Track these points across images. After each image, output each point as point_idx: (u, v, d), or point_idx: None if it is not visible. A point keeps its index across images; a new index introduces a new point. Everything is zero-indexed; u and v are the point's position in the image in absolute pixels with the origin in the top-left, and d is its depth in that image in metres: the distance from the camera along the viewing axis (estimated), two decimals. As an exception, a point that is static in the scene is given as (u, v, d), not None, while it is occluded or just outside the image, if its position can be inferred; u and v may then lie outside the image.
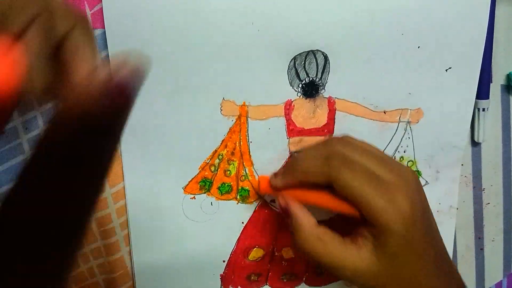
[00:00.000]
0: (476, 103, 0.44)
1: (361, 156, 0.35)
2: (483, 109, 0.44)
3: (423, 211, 0.34)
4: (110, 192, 0.41)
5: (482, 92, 0.44)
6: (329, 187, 0.34)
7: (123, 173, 0.40)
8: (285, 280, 0.46)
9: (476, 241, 0.51)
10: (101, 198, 0.41)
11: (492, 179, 0.49)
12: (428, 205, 0.36)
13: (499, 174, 0.49)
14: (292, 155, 0.42)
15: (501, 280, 0.53)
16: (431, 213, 0.36)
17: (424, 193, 0.35)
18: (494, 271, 0.52)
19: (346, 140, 0.36)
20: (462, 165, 0.47)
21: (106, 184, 0.40)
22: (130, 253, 0.43)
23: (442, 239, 0.37)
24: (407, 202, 0.33)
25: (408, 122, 0.43)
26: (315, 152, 0.36)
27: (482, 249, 0.51)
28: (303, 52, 0.39)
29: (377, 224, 0.33)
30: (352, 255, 0.34)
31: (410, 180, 0.34)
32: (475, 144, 0.47)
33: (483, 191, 0.49)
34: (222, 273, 0.45)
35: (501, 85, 0.46)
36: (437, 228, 0.36)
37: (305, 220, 0.35)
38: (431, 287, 0.34)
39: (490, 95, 0.45)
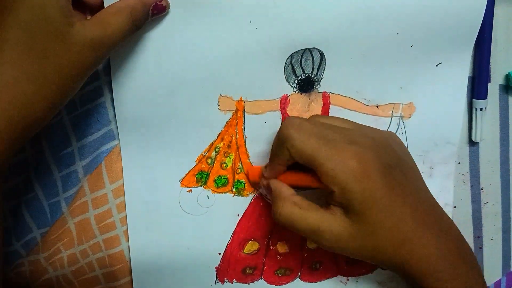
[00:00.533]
0: (474, 103, 0.45)
1: (311, 122, 0.36)
2: (481, 109, 0.45)
3: (382, 166, 0.35)
4: (110, 188, 0.43)
5: (480, 92, 0.44)
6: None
7: (122, 169, 0.42)
8: (280, 275, 0.47)
9: (475, 240, 0.51)
10: (101, 194, 0.43)
11: (490, 178, 0.49)
12: (401, 160, 0.37)
13: (497, 173, 0.49)
14: None
15: (500, 279, 0.52)
16: (408, 167, 0.37)
17: (393, 149, 0.37)
18: (493, 270, 0.52)
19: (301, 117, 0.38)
20: (459, 163, 0.47)
21: (106, 181, 0.42)
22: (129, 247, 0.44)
23: (429, 193, 0.38)
24: (355, 159, 0.34)
25: (401, 117, 0.44)
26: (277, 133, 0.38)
27: (481, 248, 0.51)
28: (300, 50, 0.40)
29: (334, 187, 0.34)
30: (328, 220, 0.35)
31: (367, 137, 0.36)
32: (473, 143, 0.47)
33: (481, 190, 0.49)
34: (217, 265, 0.46)
35: (500, 84, 0.46)
36: (420, 183, 0.38)
37: (283, 190, 0.37)
38: (418, 242, 0.35)
39: (488, 95, 0.45)
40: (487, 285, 0.51)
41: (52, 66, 0.31)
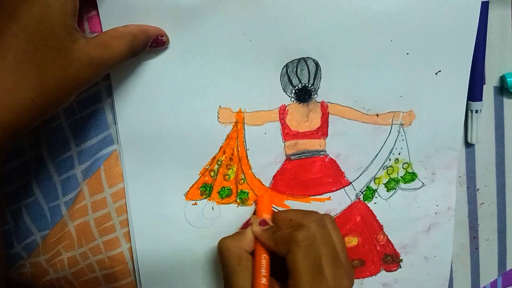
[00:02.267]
0: (469, 105, 0.46)
1: (322, 243, 0.39)
2: (476, 111, 0.46)
3: None
4: (109, 192, 0.44)
5: (475, 94, 0.45)
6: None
7: (122, 174, 0.43)
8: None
9: (471, 240, 0.52)
10: (101, 198, 0.44)
11: (486, 180, 0.50)
12: None
13: (492, 174, 0.50)
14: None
15: (496, 279, 0.55)
16: None
17: None
18: (489, 270, 0.54)
19: (319, 227, 0.41)
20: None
21: (105, 185, 0.44)
22: (130, 249, 0.46)
23: None
24: None
25: (401, 124, 0.45)
26: (295, 215, 0.42)
27: (477, 248, 0.53)
28: (295, 60, 0.42)
29: None
30: (246, 286, 0.39)
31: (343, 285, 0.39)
32: (468, 145, 0.49)
33: (477, 191, 0.51)
34: (224, 274, 0.47)
35: (494, 86, 0.47)
36: None
37: (246, 240, 0.41)
38: None
39: (483, 97, 0.46)
40: (483, 285, 0.54)
41: (51, 78, 0.32)
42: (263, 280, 0.39)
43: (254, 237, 0.42)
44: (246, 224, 0.44)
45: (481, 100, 0.46)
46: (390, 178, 0.47)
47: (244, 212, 0.46)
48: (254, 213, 0.45)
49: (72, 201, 0.44)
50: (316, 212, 0.43)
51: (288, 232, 0.39)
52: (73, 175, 0.43)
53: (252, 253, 0.41)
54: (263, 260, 0.40)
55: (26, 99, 0.31)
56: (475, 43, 0.43)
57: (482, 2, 0.42)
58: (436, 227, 0.49)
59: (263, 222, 0.42)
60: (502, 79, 0.47)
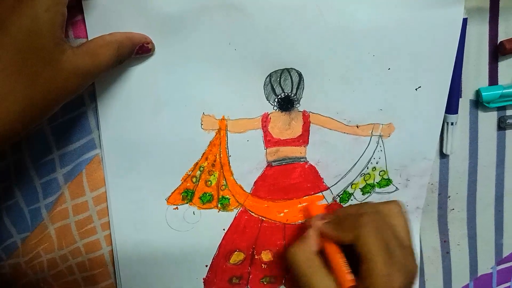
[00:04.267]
0: (445, 117, 0.47)
1: (386, 226, 0.40)
2: (452, 123, 0.47)
3: None
4: (91, 196, 0.44)
5: (452, 107, 0.47)
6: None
7: (104, 178, 0.43)
8: (265, 283, 0.49)
9: (441, 244, 0.54)
10: (82, 201, 0.44)
11: (457, 188, 0.52)
12: None
13: (464, 183, 0.52)
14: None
15: (468, 284, 0.56)
16: None
17: (413, 284, 0.41)
18: (461, 275, 0.56)
19: (378, 209, 0.43)
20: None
21: (87, 188, 0.43)
22: (111, 252, 0.45)
23: None
24: (401, 283, 0.38)
25: (380, 136, 0.46)
26: (348, 210, 0.44)
27: (448, 252, 0.54)
28: (278, 70, 0.42)
29: (367, 283, 0.38)
30: (327, 284, 0.39)
31: (411, 268, 0.40)
32: (443, 155, 0.50)
33: (448, 198, 0.52)
34: (204, 277, 0.48)
35: (470, 100, 0.49)
36: None
37: (311, 242, 0.42)
38: None
39: (459, 110, 0.47)
40: (455, 290, 0.55)
41: (39, 90, 0.32)
42: (349, 277, 0.39)
43: (318, 235, 0.42)
44: (305, 227, 0.44)
45: (457, 113, 0.47)
46: (367, 183, 0.48)
47: (225, 217, 0.46)
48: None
49: (53, 204, 0.43)
50: (369, 203, 0.45)
51: (353, 219, 0.40)
52: (54, 178, 0.43)
53: (321, 253, 0.42)
54: (341, 258, 0.41)
55: (14, 111, 0.31)
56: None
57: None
58: None
59: (323, 216, 0.43)
60: (478, 93, 0.48)
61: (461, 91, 0.48)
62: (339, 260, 0.40)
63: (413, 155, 0.47)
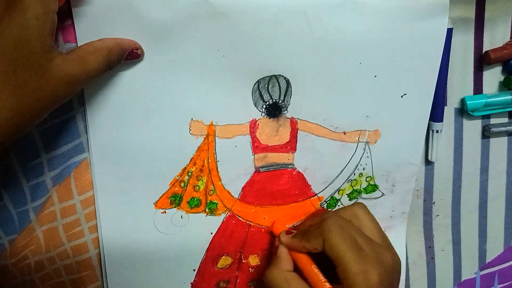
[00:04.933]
0: (430, 125, 0.47)
1: (351, 227, 0.41)
2: (437, 131, 0.48)
3: None
4: (79, 199, 0.43)
5: (437, 115, 0.47)
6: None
7: (92, 181, 0.43)
8: (252, 287, 0.49)
9: (426, 249, 0.54)
10: (70, 204, 0.43)
11: (442, 194, 0.52)
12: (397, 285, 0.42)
13: (449, 189, 0.52)
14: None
15: (448, 292, 0.56)
16: None
17: (397, 278, 0.41)
18: (445, 280, 0.56)
19: (340, 214, 0.44)
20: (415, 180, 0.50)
21: (75, 192, 0.43)
22: (98, 255, 0.45)
23: None
24: (377, 277, 0.38)
25: (367, 142, 0.46)
26: (311, 220, 0.44)
27: (433, 258, 0.55)
28: (267, 77, 0.42)
29: (346, 285, 0.38)
30: None
31: (387, 262, 0.40)
32: (428, 162, 0.50)
33: (433, 204, 0.52)
34: (192, 281, 0.48)
35: (455, 108, 0.49)
36: None
37: (283, 262, 0.42)
38: None
39: (444, 118, 0.48)
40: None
41: (29, 97, 0.32)
42: (327, 285, 0.40)
43: (288, 253, 0.43)
44: (275, 250, 0.44)
45: (442, 121, 0.48)
46: (353, 189, 0.48)
47: (212, 221, 0.46)
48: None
49: (41, 206, 0.43)
50: (331, 210, 0.45)
51: (317, 226, 0.41)
52: (43, 181, 0.42)
53: (296, 271, 0.42)
54: (314, 268, 0.41)
55: (2, 119, 0.31)
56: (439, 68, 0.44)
57: (446, 29, 0.43)
58: (390, 229, 0.51)
59: (288, 231, 0.44)
60: (463, 101, 0.49)
61: (446, 99, 0.48)
62: (313, 271, 0.41)
63: (398, 161, 0.48)
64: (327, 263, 0.40)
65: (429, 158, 0.49)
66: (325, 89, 0.43)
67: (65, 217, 0.43)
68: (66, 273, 0.45)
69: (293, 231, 0.44)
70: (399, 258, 0.42)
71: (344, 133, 0.45)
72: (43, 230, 0.44)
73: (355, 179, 0.48)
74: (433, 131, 0.48)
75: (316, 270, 0.41)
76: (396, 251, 0.44)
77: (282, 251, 0.43)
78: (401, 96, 0.45)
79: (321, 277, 0.40)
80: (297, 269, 0.42)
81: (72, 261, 0.45)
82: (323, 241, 0.39)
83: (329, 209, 0.48)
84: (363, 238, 0.40)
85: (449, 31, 0.44)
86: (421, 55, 0.43)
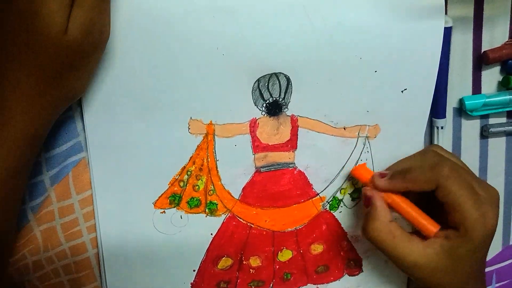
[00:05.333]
0: (433, 122, 0.48)
1: (465, 170, 0.41)
2: (441, 127, 0.48)
3: (495, 230, 0.40)
4: (77, 198, 0.43)
5: (439, 112, 0.47)
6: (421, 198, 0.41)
7: (90, 181, 0.42)
8: (253, 287, 0.49)
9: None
10: (68, 204, 0.43)
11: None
12: None
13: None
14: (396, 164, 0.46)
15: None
16: None
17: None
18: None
19: (448, 153, 0.44)
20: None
21: (73, 191, 0.43)
22: (97, 255, 0.45)
23: None
24: (495, 220, 0.39)
25: (367, 137, 0.47)
26: (421, 162, 0.43)
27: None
28: (267, 75, 0.42)
29: (463, 230, 0.39)
30: (416, 250, 0.40)
31: (497, 200, 0.41)
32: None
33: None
34: (192, 281, 0.47)
35: (454, 108, 0.49)
36: None
37: (383, 213, 0.41)
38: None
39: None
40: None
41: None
42: (434, 223, 0.40)
43: (384, 202, 0.42)
44: (368, 202, 0.43)
45: (444, 117, 0.48)
46: (355, 188, 0.48)
47: (212, 222, 0.46)
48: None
49: (39, 206, 0.43)
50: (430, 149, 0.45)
51: (429, 169, 0.40)
52: (41, 181, 0.42)
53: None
54: (415, 207, 0.41)
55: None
56: (439, 65, 0.44)
57: (446, 28, 0.43)
58: None
59: (382, 173, 0.43)
60: (461, 101, 0.49)
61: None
62: (415, 211, 0.41)
63: (398, 155, 0.47)
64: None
65: None
66: (326, 85, 0.43)
67: (63, 216, 0.43)
68: (64, 273, 0.45)
69: (386, 172, 0.43)
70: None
71: (344, 128, 0.45)
72: (41, 230, 0.43)
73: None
74: (437, 127, 0.48)
75: (419, 210, 0.41)
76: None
77: (379, 200, 0.42)
78: (401, 91, 0.45)
79: (427, 216, 0.40)
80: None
81: (70, 261, 0.44)
82: (436, 185, 0.39)
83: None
84: (476, 181, 0.41)
85: (448, 30, 0.44)
86: (421, 50, 0.43)
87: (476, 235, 0.38)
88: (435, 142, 0.48)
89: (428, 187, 0.40)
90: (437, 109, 0.47)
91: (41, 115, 0.35)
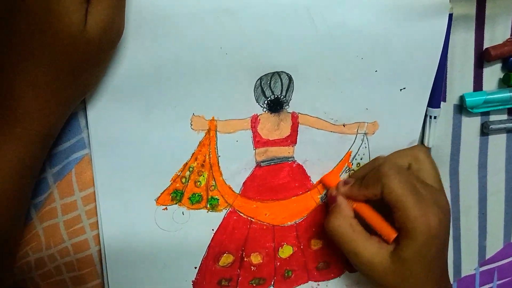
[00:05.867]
0: (428, 111, 0.48)
1: (408, 171, 0.42)
2: (435, 117, 0.48)
3: (444, 233, 0.40)
4: (80, 195, 0.43)
5: (434, 101, 0.47)
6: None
7: (93, 178, 0.42)
8: (254, 285, 0.49)
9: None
10: (71, 201, 0.43)
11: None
12: (449, 232, 0.42)
13: (447, 186, 0.52)
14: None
15: (451, 284, 0.55)
16: (448, 239, 0.42)
17: (449, 220, 0.42)
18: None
19: (427, 156, 0.44)
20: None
21: (76, 188, 0.43)
22: (99, 252, 0.45)
23: (447, 264, 0.44)
24: (436, 219, 0.39)
25: (365, 134, 0.47)
26: (365, 169, 0.45)
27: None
28: (269, 73, 0.42)
29: (405, 229, 0.39)
30: (372, 248, 0.40)
31: (443, 204, 0.41)
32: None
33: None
34: (193, 279, 0.47)
35: (454, 105, 0.49)
36: (447, 253, 0.43)
37: (345, 210, 0.43)
38: None
39: (443, 114, 0.48)
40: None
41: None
42: (392, 229, 0.40)
43: (347, 201, 0.43)
44: (332, 200, 0.44)
45: (439, 107, 0.47)
46: None
47: (213, 218, 0.46)
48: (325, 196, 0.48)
49: (42, 203, 0.42)
50: (382, 156, 0.46)
51: (374, 172, 0.41)
52: (44, 178, 0.42)
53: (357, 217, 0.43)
54: (375, 213, 0.42)
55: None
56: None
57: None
58: None
59: (346, 181, 0.45)
60: (462, 98, 0.49)
61: (445, 95, 0.48)
62: (377, 216, 0.42)
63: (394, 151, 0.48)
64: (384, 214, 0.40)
65: (425, 144, 0.49)
66: (327, 84, 0.43)
67: (65, 213, 0.43)
68: (66, 270, 0.45)
69: (350, 179, 0.44)
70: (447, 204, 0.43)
71: (343, 125, 0.46)
72: (43, 227, 0.43)
73: (353, 169, 0.48)
74: (431, 117, 0.48)
75: (379, 216, 0.41)
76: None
77: (342, 200, 0.43)
78: (400, 90, 0.45)
79: (385, 222, 0.41)
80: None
81: (73, 258, 0.44)
82: (381, 186, 0.40)
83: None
84: (419, 182, 0.41)
85: (448, 28, 0.44)
86: (421, 51, 0.44)
87: (418, 235, 0.38)
88: (427, 132, 0.48)
89: (377, 190, 0.40)
90: (432, 98, 0.47)
91: (55, 113, 0.35)
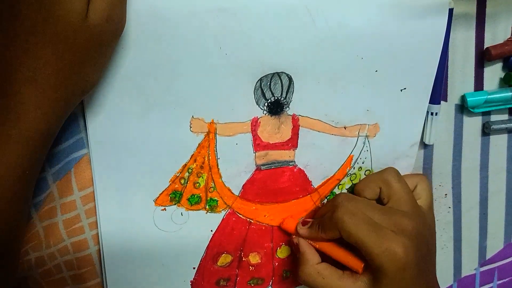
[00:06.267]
0: (428, 107, 0.47)
1: (363, 206, 0.41)
2: (435, 114, 0.47)
3: (418, 256, 0.39)
4: (79, 195, 0.43)
5: (434, 97, 0.47)
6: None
7: (92, 178, 0.42)
8: (252, 285, 0.49)
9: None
10: (70, 200, 0.43)
11: (443, 192, 0.52)
12: (429, 248, 0.42)
13: (449, 186, 0.52)
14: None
15: (452, 284, 0.57)
16: (430, 254, 0.42)
17: (425, 238, 0.41)
18: (445, 276, 0.56)
19: (350, 196, 0.44)
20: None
21: (75, 188, 0.43)
22: (98, 251, 0.45)
23: (435, 278, 0.43)
24: (401, 249, 0.38)
25: (367, 136, 0.47)
26: (325, 208, 0.44)
27: (434, 254, 0.54)
28: (269, 74, 0.42)
29: (373, 266, 0.39)
30: (346, 286, 0.40)
31: (408, 230, 0.40)
32: (428, 161, 0.50)
33: (434, 201, 0.52)
34: (192, 279, 0.47)
35: (456, 104, 0.49)
36: (433, 268, 0.43)
37: (310, 257, 0.43)
38: None
39: (444, 114, 0.48)
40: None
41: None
42: (358, 262, 0.41)
43: (310, 245, 0.43)
44: (297, 248, 0.45)
45: (439, 103, 0.47)
46: (353, 183, 0.48)
47: (212, 219, 0.46)
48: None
49: (41, 202, 0.43)
50: (340, 193, 0.46)
51: (329, 217, 0.41)
52: (43, 177, 0.42)
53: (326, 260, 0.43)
54: (339, 250, 0.42)
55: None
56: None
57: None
58: None
59: (303, 222, 0.45)
60: (463, 98, 0.48)
61: (446, 95, 0.48)
62: (341, 253, 0.42)
63: (397, 153, 0.48)
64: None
65: (425, 141, 0.49)
66: (327, 85, 0.43)
67: (65, 213, 0.43)
68: (66, 269, 0.45)
69: (309, 220, 0.44)
70: (424, 218, 0.43)
71: (344, 127, 0.46)
72: (43, 226, 0.43)
73: (354, 173, 0.48)
74: (431, 113, 0.47)
75: (344, 252, 0.41)
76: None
77: (304, 245, 0.44)
78: (401, 90, 0.45)
79: (351, 256, 0.41)
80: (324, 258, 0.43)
81: (72, 257, 0.44)
82: (338, 231, 0.40)
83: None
84: (378, 212, 0.41)
85: (448, 27, 0.43)
86: (421, 51, 0.43)
87: (385, 270, 0.38)
88: (427, 129, 0.48)
89: (335, 234, 0.41)
90: (433, 94, 0.46)
91: (55, 110, 0.34)
